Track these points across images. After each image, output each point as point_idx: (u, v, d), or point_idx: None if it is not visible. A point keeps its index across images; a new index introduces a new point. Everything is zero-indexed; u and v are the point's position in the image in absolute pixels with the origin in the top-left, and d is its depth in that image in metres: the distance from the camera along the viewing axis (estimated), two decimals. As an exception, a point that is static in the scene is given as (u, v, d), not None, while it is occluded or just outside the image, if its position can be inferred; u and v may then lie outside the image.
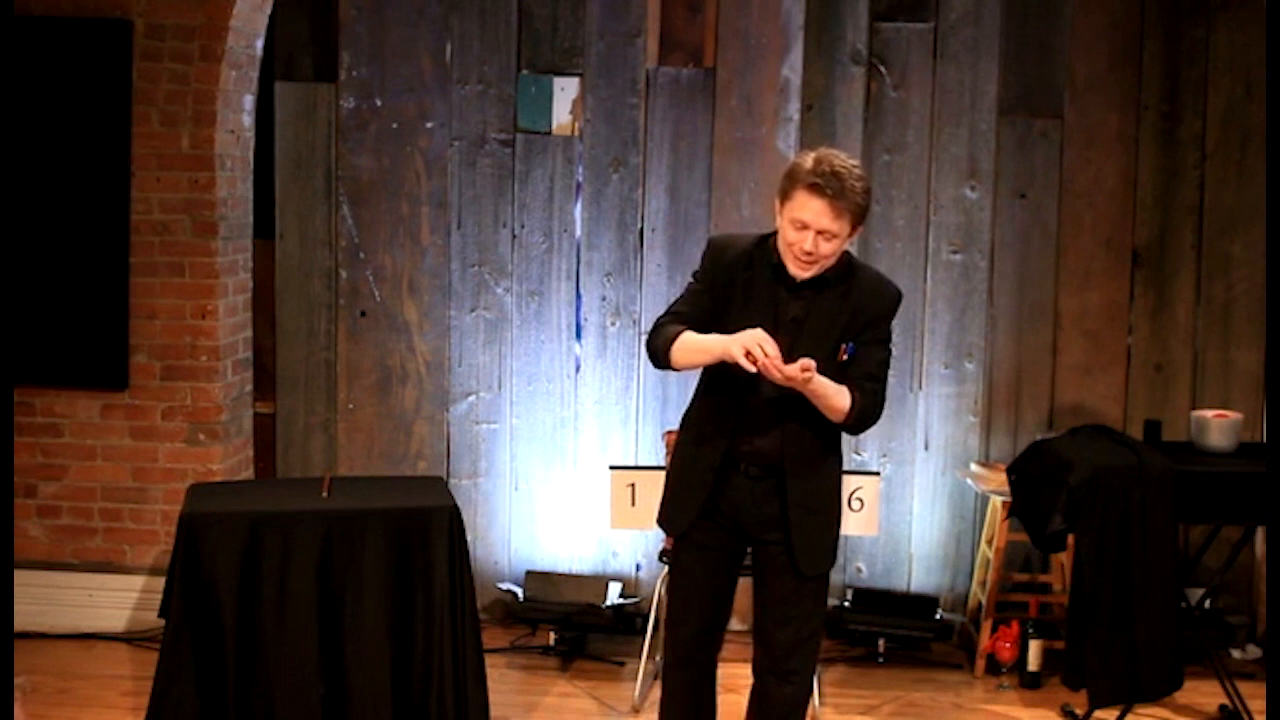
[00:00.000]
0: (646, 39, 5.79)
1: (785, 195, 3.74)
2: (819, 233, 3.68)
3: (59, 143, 5.50)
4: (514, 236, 5.90)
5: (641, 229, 5.85)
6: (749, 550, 3.98)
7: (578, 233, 5.88)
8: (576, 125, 5.84)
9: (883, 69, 5.80)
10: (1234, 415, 4.99)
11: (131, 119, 5.49)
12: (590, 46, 5.80)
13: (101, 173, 5.51)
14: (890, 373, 5.85)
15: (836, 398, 3.76)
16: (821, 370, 3.70)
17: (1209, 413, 5.01)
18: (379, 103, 5.85)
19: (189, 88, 5.47)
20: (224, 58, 5.45)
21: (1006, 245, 5.84)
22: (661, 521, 4.05)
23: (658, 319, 3.96)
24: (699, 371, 3.99)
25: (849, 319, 3.81)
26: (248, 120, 5.75)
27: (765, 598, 3.95)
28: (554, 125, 5.85)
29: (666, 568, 4.31)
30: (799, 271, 3.76)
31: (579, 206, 5.87)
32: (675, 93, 5.81)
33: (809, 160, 3.71)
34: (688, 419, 4.01)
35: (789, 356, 3.67)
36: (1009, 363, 5.88)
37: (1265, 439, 5.59)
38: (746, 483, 3.86)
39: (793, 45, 5.75)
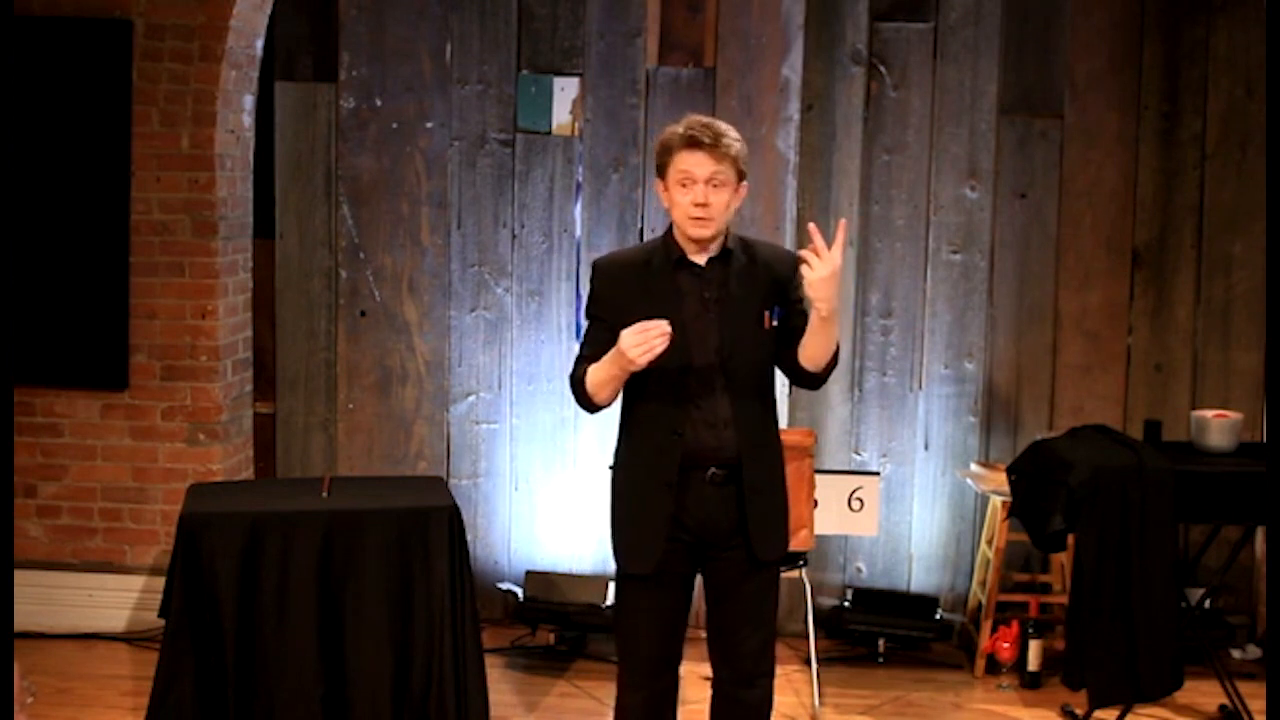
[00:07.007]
0: (646, 39, 5.79)
1: (665, 165, 3.66)
2: (707, 181, 3.60)
3: (59, 143, 5.50)
4: (514, 236, 5.90)
5: (641, 229, 5.84)
6: (699, 570, 3.82)
7: (578, 233, 5.88)
8: (576, 125, 5.84)
9: (883, 69, 5.79)
10: (1234, 415, 4.99)
11: (131, 119, 5.49)
12: (590, 46, 5.80)
13: (101, 173, 5.51)
14: (890, 372, 5.88)
15: (834, 333, 3.66)
16: (752, 343, 3.65)
17: (1209, 413, 5.01)
18: (379, 103, 5.85)
19: (189, 88, 5.48)
20: (224, 58, 5.45)
21: (1006, 245, 5.84)
22: (622, 558, 3.81)
23: (570, 374, 3.82)
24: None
25: (766, 285, 3.72)
26: (248, 120, 5.75)
27: (727, 609, 3.79)
28: (554, 125, 5.85)
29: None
30: (699, 231, 3.63)
31: (579, 206, 5.87)
32: (675, 93, 5.80)
33: (678, 125, 3.66)
34: (622, 446, 3.86)
35: (715, 336, 3.62)
36: (1009, 363, 5.87)
37: (1265, 439, 5.59)
38: (711, 490, 3.71)
39: (793, 45, 5.75)
